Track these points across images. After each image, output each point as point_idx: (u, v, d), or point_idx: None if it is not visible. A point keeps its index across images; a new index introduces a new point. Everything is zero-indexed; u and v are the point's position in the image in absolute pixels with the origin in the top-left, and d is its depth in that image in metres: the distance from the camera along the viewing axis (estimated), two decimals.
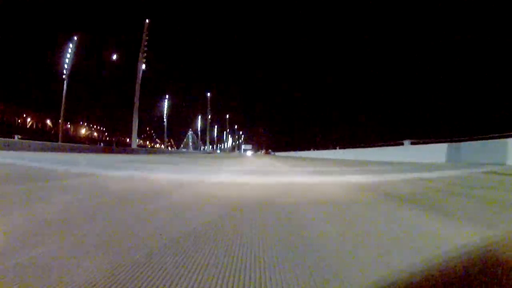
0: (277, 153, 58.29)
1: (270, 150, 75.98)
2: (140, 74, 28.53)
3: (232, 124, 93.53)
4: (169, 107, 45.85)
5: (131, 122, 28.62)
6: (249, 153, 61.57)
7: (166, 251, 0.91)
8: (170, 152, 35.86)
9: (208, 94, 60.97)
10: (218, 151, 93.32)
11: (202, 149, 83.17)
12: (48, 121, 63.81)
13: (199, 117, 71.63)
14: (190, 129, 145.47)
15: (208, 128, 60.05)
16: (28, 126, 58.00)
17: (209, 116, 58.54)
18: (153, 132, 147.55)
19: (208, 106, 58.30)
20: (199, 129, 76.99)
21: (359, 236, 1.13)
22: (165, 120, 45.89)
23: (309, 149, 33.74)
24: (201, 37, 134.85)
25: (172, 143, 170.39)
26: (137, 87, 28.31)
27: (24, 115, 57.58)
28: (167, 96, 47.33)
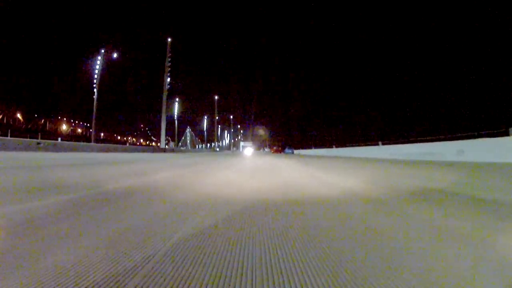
0: (297, 151, 37.51)
1: (283, 147, 45.69)
2: None
3: (222, 111, 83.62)
4: (170, 107, 28.43)
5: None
6: (248, 151, 42.59)
7: None
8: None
9: (169, 40, 33.28)
10: (217, 149, 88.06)
11: (206, 147, 77.55)
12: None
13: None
14: (188, 127, 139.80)
15: (165, 96, 30.14)
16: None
17: (168, 77, 30.19)
18: (148, 130, 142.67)
19: (167, 57, 30.56)
20: (175, 115, 50.98)
21: None
22: (95, 92, 26.41)
23: (330, 146, 25.68)
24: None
25: (170, 140, 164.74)
26: None
27: None
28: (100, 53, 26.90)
